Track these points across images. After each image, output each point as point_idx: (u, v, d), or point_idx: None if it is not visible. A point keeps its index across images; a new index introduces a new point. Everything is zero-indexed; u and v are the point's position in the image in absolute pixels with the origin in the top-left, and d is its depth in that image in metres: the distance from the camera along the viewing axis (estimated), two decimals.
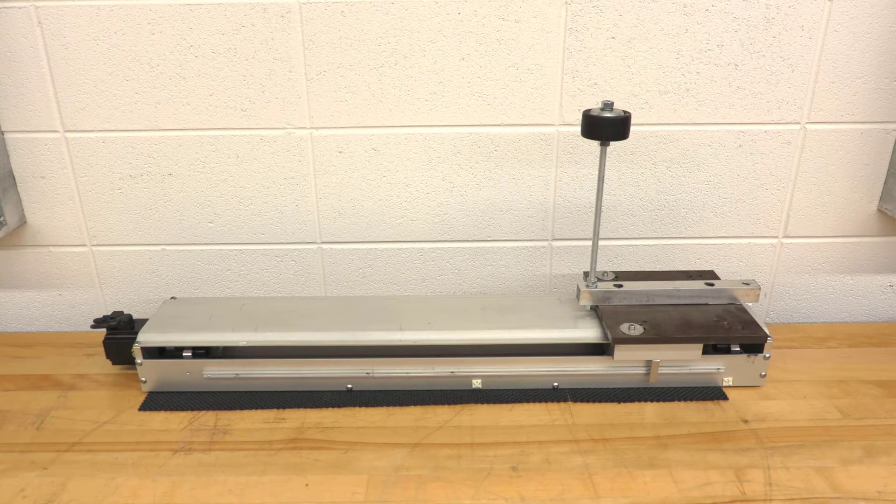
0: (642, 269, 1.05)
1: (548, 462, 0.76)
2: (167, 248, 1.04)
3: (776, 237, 1.04)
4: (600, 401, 0.86)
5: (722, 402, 0.86)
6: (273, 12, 0.90)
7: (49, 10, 0.89)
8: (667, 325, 0.85)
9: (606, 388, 0.88)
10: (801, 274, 1.07)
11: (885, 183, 1.00)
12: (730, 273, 1.06)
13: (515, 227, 1.03)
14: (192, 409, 0.85)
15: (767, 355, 0.87)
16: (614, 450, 0.77)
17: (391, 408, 0.85)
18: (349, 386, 0.89)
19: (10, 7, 0.89)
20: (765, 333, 0.84)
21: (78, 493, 0.72)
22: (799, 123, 0.97)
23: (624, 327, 0.85)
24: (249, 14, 0.90)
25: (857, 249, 1.05)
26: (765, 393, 0.88)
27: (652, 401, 0.86)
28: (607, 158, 0.98)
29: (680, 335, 0.84)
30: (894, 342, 1.00)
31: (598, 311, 0.90)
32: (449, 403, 0.86)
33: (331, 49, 0.92)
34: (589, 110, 0.81)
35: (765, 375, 0.88)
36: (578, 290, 0.90)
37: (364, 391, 0.88)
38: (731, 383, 0.89)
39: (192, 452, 0.78)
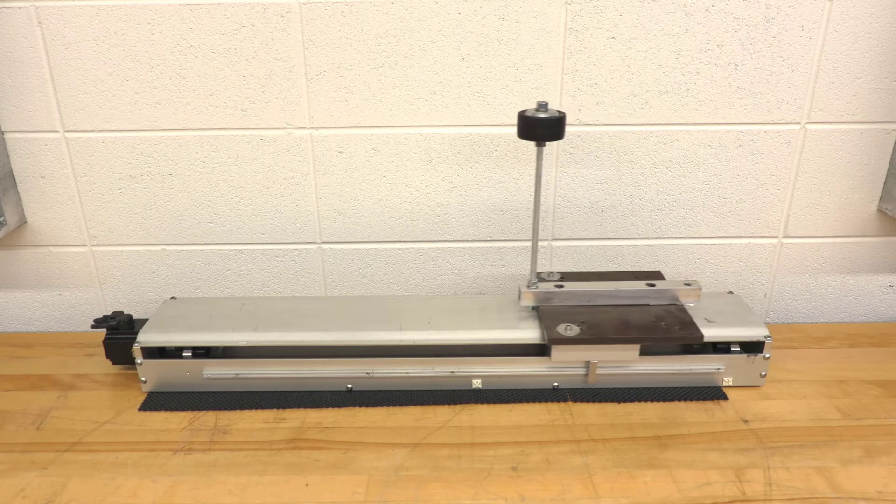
0: (591, 271, 1.05)
1: (548, 462, 0.76)
2: (167, 248, 1.04)
3: (776, 237, 1.04)
4: (600, 401, 0.86)
5: (722, 402, 0.86)
6: (273, 12, 0.90)
7: (49, 10, 0.89)
8: (605, 326, 0.85)
9: (606, 388, 0.88)
10: (801, 274, 1.07)
11: (885, 183, 1.00)
12: (729, 273, 1.06)
13: (515, 227, 1.03)
14: (192, 409, 0.85)
15: (767, 355, 0.87)
16: (614, 450, 0.77)
17: (391, 408, 0.85)
18: (349, 386, 0.88)
19: (10, 7, 0.89)
20: (700, 334, 0.83)
21: (78, 493, 0.72)
22: (799, 123, 0.97)
23: (561, 328, 0.84)
24: (249, 14, 0.90)
25: (857, 249, 1.05)
26: (765, 393, 0.88)
27: (652, 401, 0.86)
28: (607, 158, 0.98)
29: (616, 336, 0.83)
30: (894, 342, 1.00)
31: (538, 312, 0.90)
32: (449, 403, 0.86)
33: (331, 49, 0.92)
34: (524, 111, 0.80)
35: (765, 375, 0.88)
36: (520, 290, 0.90)
37: (364, 391, 0.88)
38: (731, 383, 0.89)
39: (192, 452, 0.78)
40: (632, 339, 0.84)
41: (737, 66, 0.93)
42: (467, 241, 1.04)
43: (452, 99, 0.95)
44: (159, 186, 1.00)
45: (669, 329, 0.84)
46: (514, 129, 0.96)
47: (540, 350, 0.87)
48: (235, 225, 1.02)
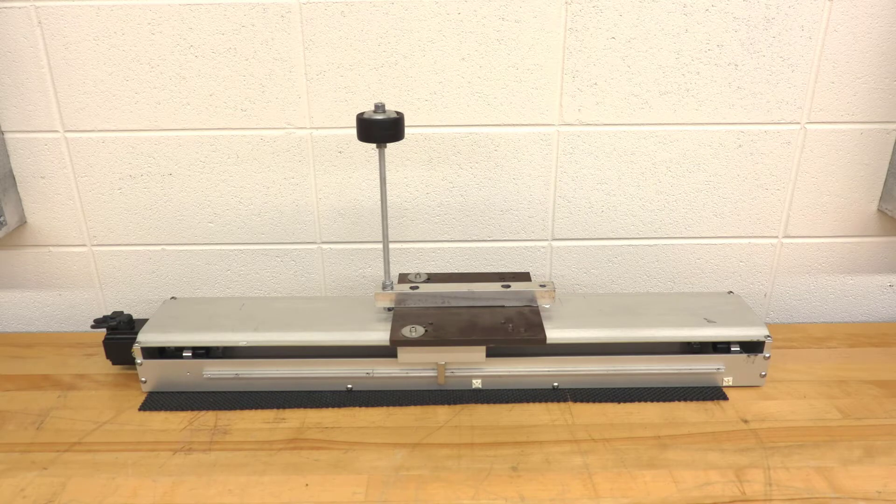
0: (462, 272, 1.04)
1: (548, 462, 0.76)
2: (167, 248, 1.04)
3: (776, 237, 1.04)
4: (600, 401, 0.86)
5: (722, 402, 0.86)
6: (273, 12, 0.90)
7: (49, 10, 0.89)
8: (451, 328, 0.84)
9: (606, 388, 0.88)
10: (801, 274, 1.07)
11: (885, 183, 1.00)
12: (729, 273, 1.06)
13: (515, 227, 1.03)
14: (192, 409, 0.85)
15: (767, 355, 0.87)
16: (614, 450, 0.77)
17: (391, 408, 0.85)
18: (349, 386, 0.88)
19: (10, 7, 0.89)
20: (544, 336, 0.83)
21: (78, 493, 0.72)
22: (799, 123, 0.97)
23: (406, 330, 0.84)
24: (249, 14, 0.90)
25: (857, 249, 1.05)
26: (765, 393, 0.88)
27: (652, 401, 0.86)
28: (607, 158, 0.98)
29: (459, 337, 0.83)
30: (894, 342, 1.00)
31: (393, 313, 0.89)
32: (449, 403, 0.86)
33: (331, 49, 0.92)
34: (362, 114, 0.79)
35: (765, 375, 0.88)
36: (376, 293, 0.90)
37: (364, 391, 0.88)
38: (731, 383, 0.89)
39: (192, 452, 0.78)
40: (474, 340, 0.83)
41: (737, 66, 0.93)
42: (467, 241, 1.04)
43: (452, 99, 0.95)
44: (159, 186, 1.00)
45: (515, 331, 0.84)
46: (515, 129, 0.96)
47: (392, 352, 0.86)
48: (235, 225, 1.02)
